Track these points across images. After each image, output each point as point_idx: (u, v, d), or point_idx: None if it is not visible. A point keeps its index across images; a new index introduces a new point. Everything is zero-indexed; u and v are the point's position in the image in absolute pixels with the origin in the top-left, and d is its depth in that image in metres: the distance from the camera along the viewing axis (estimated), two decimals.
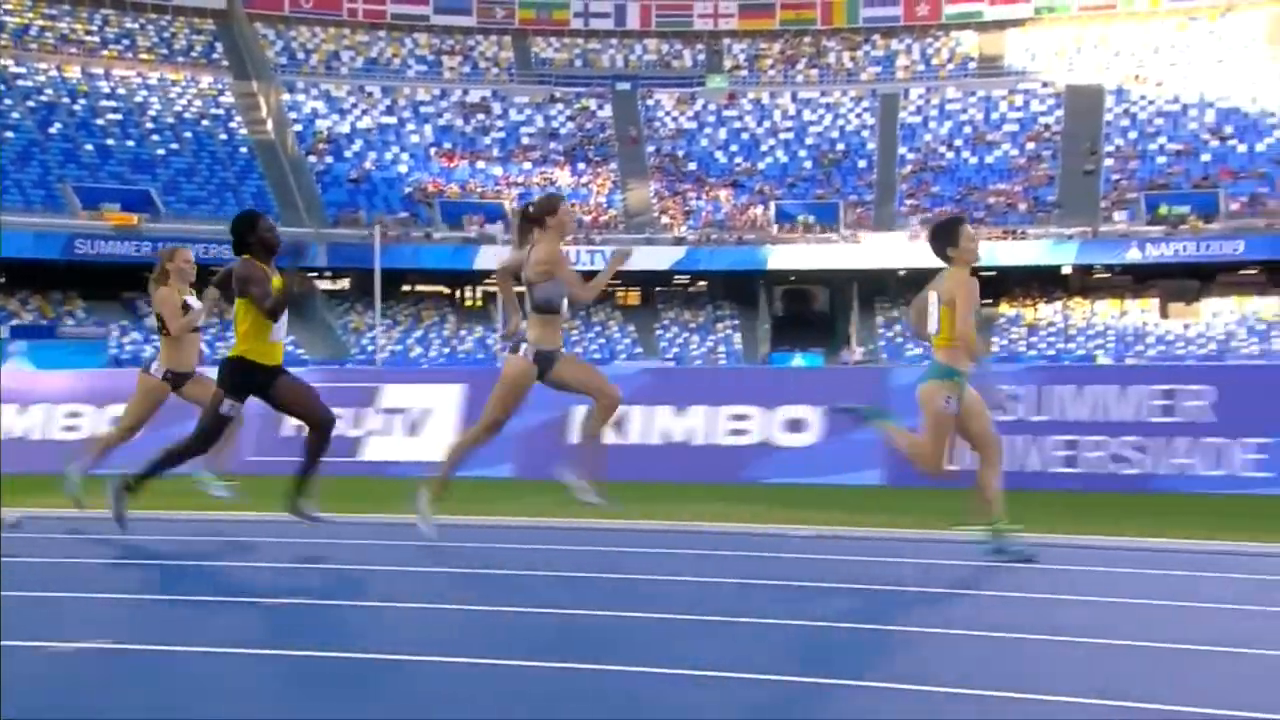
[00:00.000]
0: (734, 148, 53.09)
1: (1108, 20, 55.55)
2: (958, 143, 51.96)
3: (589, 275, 6.75)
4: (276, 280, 6.49)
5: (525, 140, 52.27)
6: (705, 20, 59.25)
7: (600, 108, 54.74)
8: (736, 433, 10.34)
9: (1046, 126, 51.81)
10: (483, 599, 5.19)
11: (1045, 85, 53.59)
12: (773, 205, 49.48)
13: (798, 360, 32.73)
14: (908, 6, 58.43)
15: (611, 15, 58.76)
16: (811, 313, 52.99)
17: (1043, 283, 48.46)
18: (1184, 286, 47.45)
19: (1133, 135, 50.28)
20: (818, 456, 9.97)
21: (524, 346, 6.45)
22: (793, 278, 52.19)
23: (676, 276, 50.55)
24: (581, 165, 51.30)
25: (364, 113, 51.25)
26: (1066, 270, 47.35)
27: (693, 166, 52.03)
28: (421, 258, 45.33)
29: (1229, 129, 48.90)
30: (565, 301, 6.52)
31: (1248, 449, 9.34)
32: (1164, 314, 46.90)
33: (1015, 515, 6.36)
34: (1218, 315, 45.80)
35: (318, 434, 6.55)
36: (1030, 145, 51.09)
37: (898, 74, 56.30)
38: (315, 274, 42.28)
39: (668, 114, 54.78)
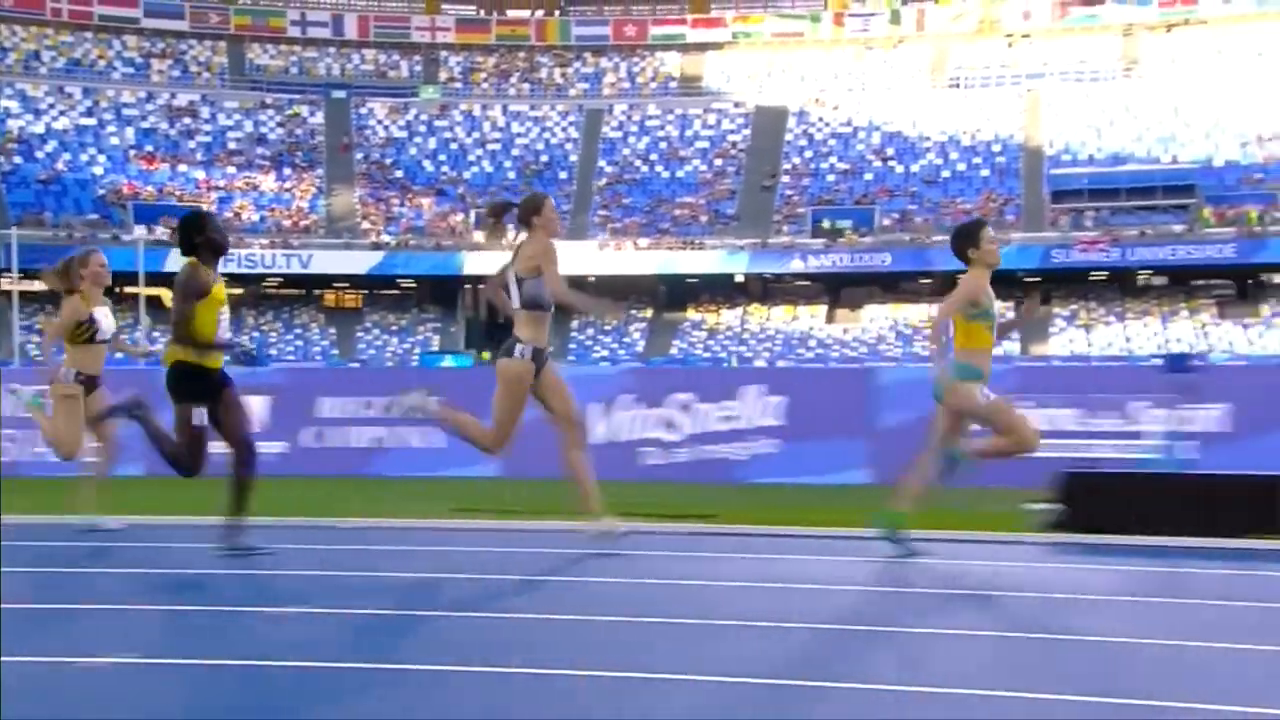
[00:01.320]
0: (442, 157, 55.05)
1: (796, 46, 59.90)
2: (653, 157, 55.26)
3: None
4: (220, 291, 6.40)
5: (231, 145, 52.98)
6: (423, 33, 61.04)
7: (312, 115, 55.88)
8: None
9: (734, 144, 55.62)
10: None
11: (737, 105, 57.47)
12: (473, 213, 51.66)
13: (447, 361, 34.87)
14: (616, 27, 61.59)
15: (329, 25, 59.93)
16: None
17: (729, 290, 52.09)
18: (854, 294, 51.87)
19: (808, 154, 54.52)
20: None
21: (518, 348, 6.35)
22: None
23: (400, 280, 52.20)
24: (287, 170, 52.36)
25: (61, 114, 51.04)
26: (739, 278, 51.04)
27: (399, 174, 53.75)
28: (112, 260, 45.51)
29: (890, 151, 53.62)
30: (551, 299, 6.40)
31: None
32: (830, 319, 51.15)
33: None
34: (874, 321, 50.27)
35: (240, 459, 6.40)
36: (718, 161, 54.79)
37: (604, 91, 59.33)
38: None
39: (380, 122, 56.33)
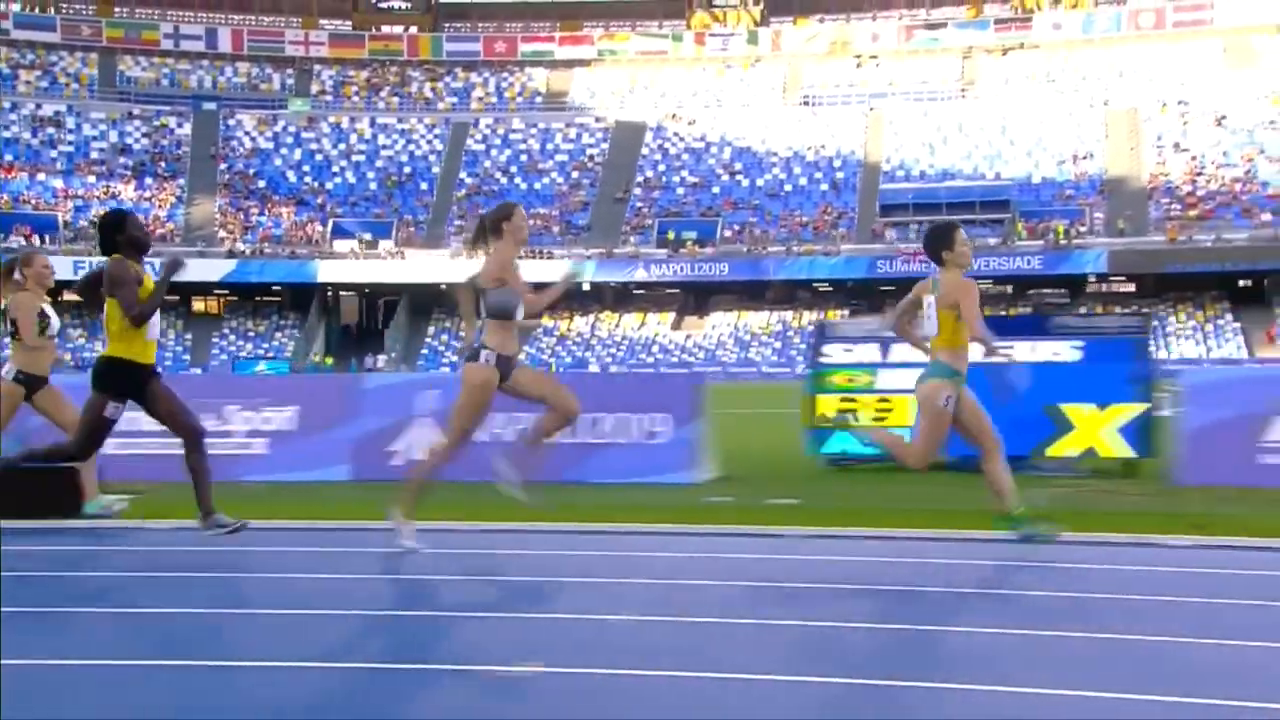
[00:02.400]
0: (306, 168, 56.49)
1: (660, 64, 61.99)
2: (513, 169, 57.06)
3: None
4: (149, 282, 6.45)
5: (95, 155, 54.12)
6: (297, 46, 62.45)
7: (180, 125, 57.10)
8: None
9: (591, 158, 57.55)
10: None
11: (598, 120, 59.42)
12: (331, 222, 53.19)
13: (261, 367, 36.30)
14: (487, 43, 63.38)
15: (203, 38, 61.20)
16: (387, 323, 56.97)
17: (582, 298, 53.89)
18: (703, 301, 53.88)
19: (662, 168, 56.57)
20: None
21: (484, 354, 6.42)
22: (368, 290, 56.15)
23: (271, 287, 53.55)
24: (149, 180, 53.58)
25: None
26: (586, 286, 52.85)
27: (262, 184, 55.13)
28: None
29: (739, 165, 55.78)
30: (520, 308, 6.49)
31: None
32: (676, 326, 53.14)
33: None
34: (716, 328, 52.33)
35: (190, 445, 6.48)
36: (574, 174, 56.70)
37: (472, 105, 61.06)
38: None
39: (247, 134, 57.66)
